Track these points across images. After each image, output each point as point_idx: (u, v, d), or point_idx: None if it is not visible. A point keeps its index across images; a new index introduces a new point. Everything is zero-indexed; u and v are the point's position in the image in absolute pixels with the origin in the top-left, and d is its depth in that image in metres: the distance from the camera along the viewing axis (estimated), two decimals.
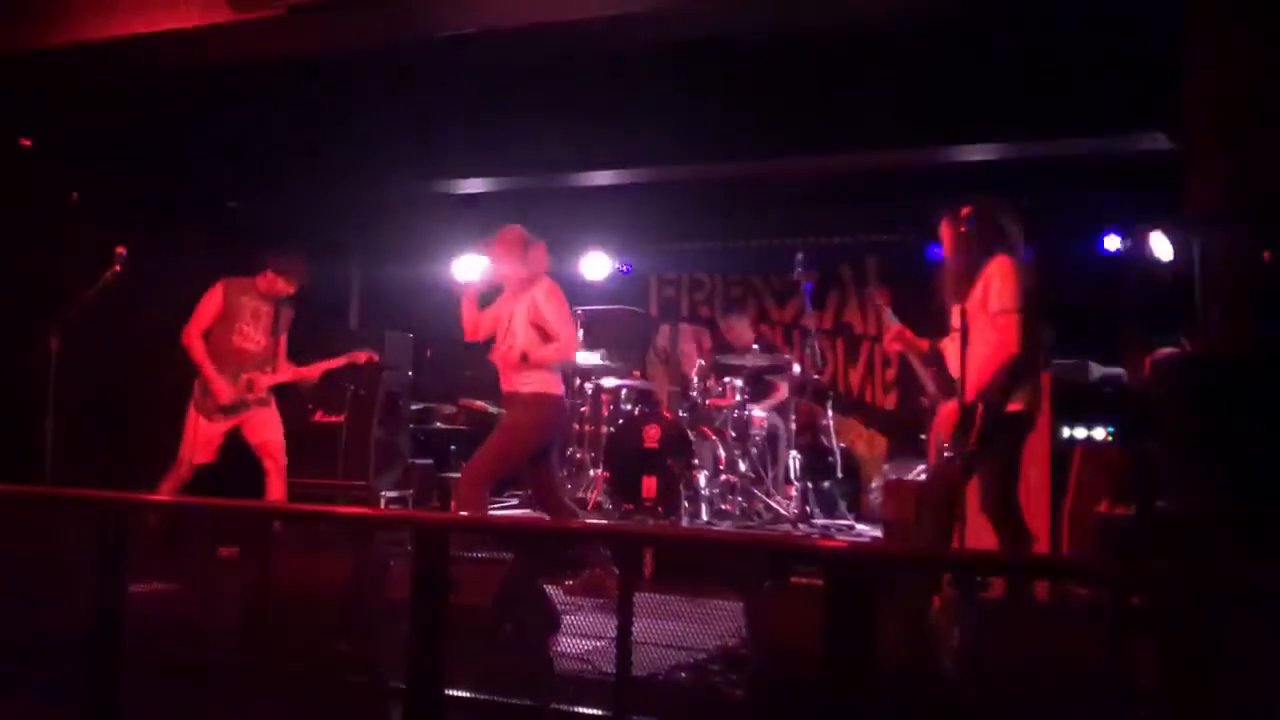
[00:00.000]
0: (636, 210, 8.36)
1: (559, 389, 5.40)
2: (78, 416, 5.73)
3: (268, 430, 6.03)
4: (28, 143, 7.01)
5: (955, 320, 4.36)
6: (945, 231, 4.52)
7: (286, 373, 6.13)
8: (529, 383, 5.31)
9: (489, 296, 5.62)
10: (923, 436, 6.92)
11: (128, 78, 6.46)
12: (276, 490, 5.99)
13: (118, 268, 5.70)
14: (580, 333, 7.97)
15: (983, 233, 4.34)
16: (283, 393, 7.35)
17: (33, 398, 5.46)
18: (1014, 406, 4.19)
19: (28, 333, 5.73)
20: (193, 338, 5.89)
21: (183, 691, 3.74)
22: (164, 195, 7.49)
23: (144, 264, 5.97)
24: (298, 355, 6.34)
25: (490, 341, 5.55)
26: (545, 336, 5.32)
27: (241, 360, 5.97)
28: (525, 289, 5.41)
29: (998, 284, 4.23)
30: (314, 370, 6.25)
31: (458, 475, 7.98)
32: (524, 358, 5.26)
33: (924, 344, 4.68)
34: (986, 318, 4.24)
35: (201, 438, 5.88)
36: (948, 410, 4.34)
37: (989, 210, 4.39)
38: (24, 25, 6.16)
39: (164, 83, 6.55)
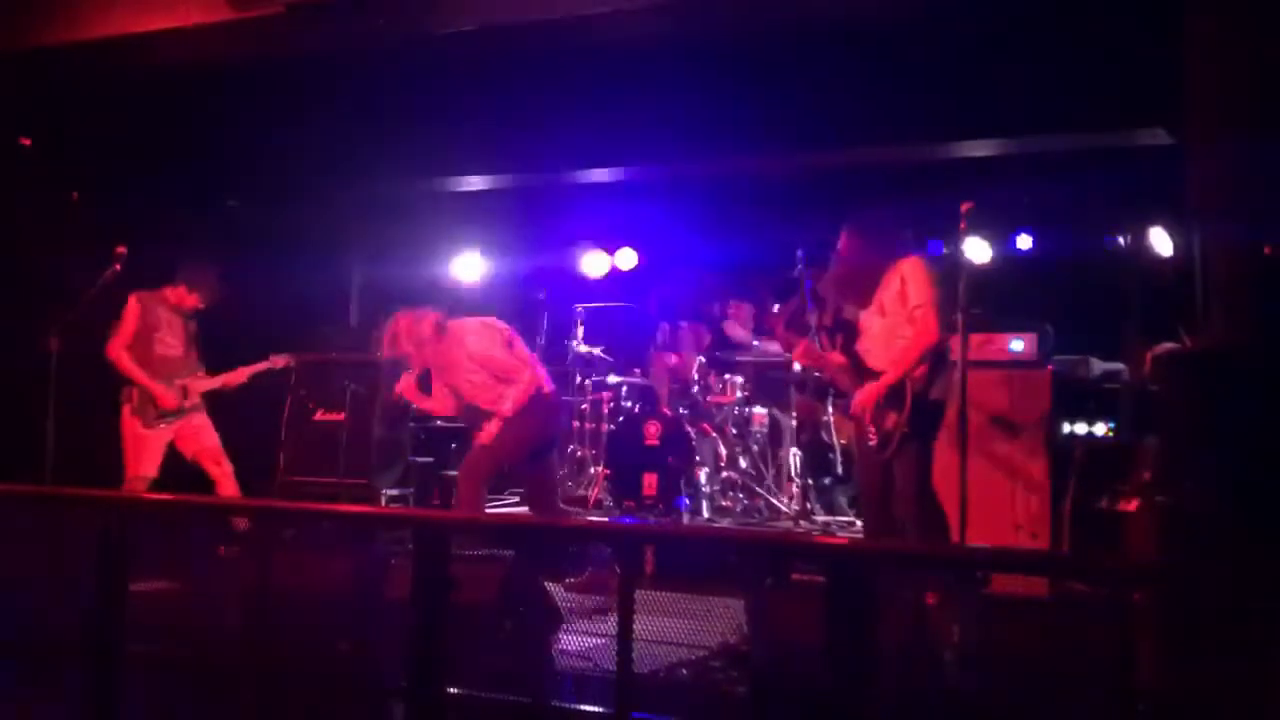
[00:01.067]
0: (637, 207, 8.35)
1: (544, 386, 5.41)
2: (78, 416, 5.73)
3: (201, 438, 6.10)
4: (27, 142, 7.00)
5: (864, 321, 4.77)
6: (849, 241, 4.82)
7: (216, 380, 6.21)
8: (507, 402, 5.34)
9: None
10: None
11: (127, 76, 6.46)
12: (228, 492, 6.03)
13: (117, 267, 5.70)
14: (581, 330, 7.99)
15: (885, 239, 4.73)
16: (283, 391, 7.37)
17: (33, 397, 5.46)
18: (934, 394, 4.54)
19: (28, 333, 5.72)
20: (119, 351, 5.92)
21: (183, 691, 3.75)
22: (164, 194, 7.48)
23: (143, 263, 5.97)
24: (303, 350, 6.38)
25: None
26: (497, 378, 5.36)
27: (169, 368, 6.03)
28: (447, 351, 5.41)
29: (914, 281, 4.57)
30: (238, 375, 6.28)
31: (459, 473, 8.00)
32: (505, 421, 5.28)
33: (836, 357, 4.95)
34: (904, 313, 4.58)
35: (145, 449, 5.92)
36: (864, 395, 4.59)
37: (885, 219, 4.79)
38: (24, 24, 6.16)
39: (164, 81, 6.55)
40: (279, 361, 6.45)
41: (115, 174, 7.27)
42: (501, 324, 5.57)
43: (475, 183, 8.14)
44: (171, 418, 5.99)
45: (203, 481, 6.10)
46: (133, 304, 6.00)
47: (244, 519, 4.48)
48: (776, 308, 7.30)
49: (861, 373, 4.72)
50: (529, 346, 7.62)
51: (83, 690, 3.64)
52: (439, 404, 5.62)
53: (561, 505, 5.65)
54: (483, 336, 5.41)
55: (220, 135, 7.27)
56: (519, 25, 5.59)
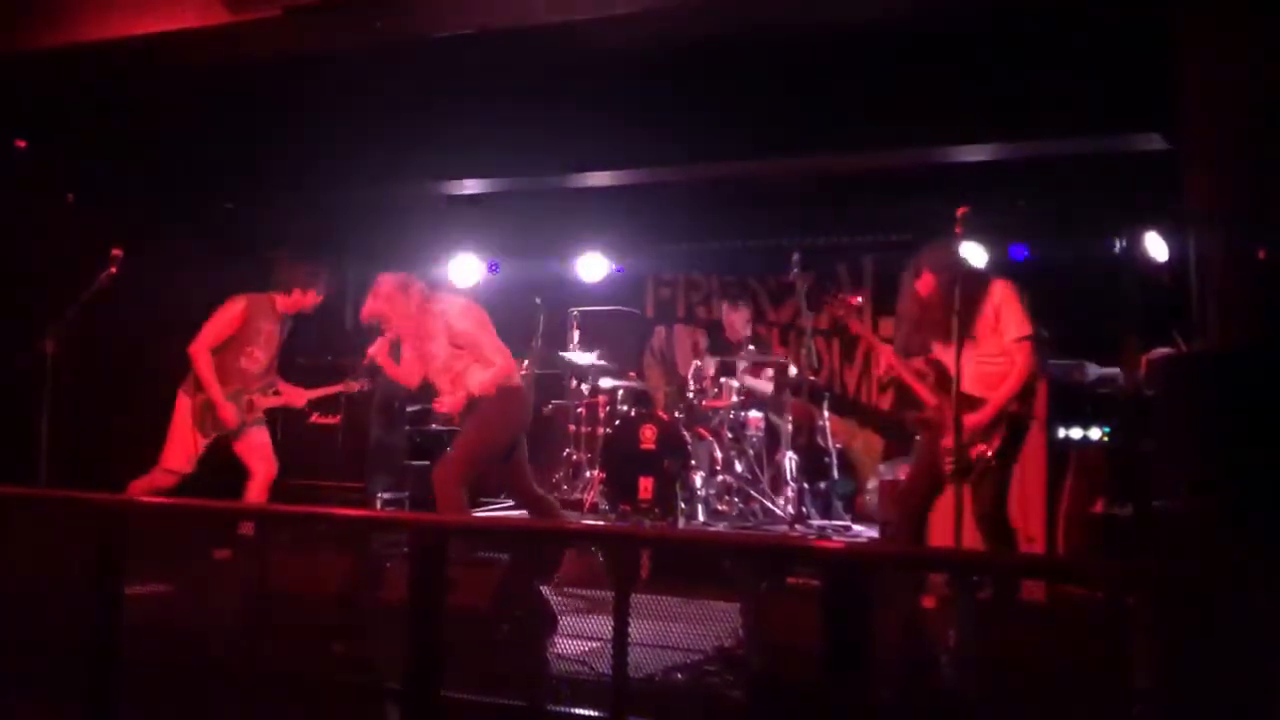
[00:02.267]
0: (633, 211, 8.36)
1: (515, 380, 5.41)
2: (73, 419, 5.72)
3: (258, 440, 5.97)
4: (23, 144, 7.00)
5: (940, 349, 4.71)
6: (936, 281, 4.72)
7: (282, 397, 6.05)
8: (482, 379, 5.31)
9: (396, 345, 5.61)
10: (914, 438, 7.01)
11: (124, 79, 6.45)
12: (256, 493, 5.92)
13: (113, 269, 5.67)
14: (577, 334, 7.99)
15: (971, 271, 4.68)
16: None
17: (28, 400, 5.45)
18: (1025, 424, 4.61)
19: (23, 335, 5.71)
20: (202, 352, 5.73)
21: (179, 693, 3.74)
22: (160, 197, 7.48)
23: (140, 266, 5.96)
24: (291, 357, 6.33)
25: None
26: (477, 356, 5.34)
27: (245, 381, 5.88)
28: (429, 322, 5.39)
29: (1008, 312, 4.61)
30: (304, 396, 6.16)
31: None
32: (472, 402, 5.27)
33: (917, 364, 4.93)
34: (996, 341, 4.60)
35: (189, 447, 5.79)
36: (972, 423, 4.51)
37: (955, 250, 4.59)
38: (20, 26, 6.15)
39: (160, 84, 6.54)
40: (354, 386, 6.24)
41: (111, 176, 7.26)
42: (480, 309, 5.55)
43: (472, 186, 8.13)
44: (226, 434, 5.85)
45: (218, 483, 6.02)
46: (239, 307, 5.84)
47: (250, 524, 4.47)
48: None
49: (955, 393, 4.53)
50: (525, 350, 7.66)
51: (79, 694, 3.63)
52: (406, 374, 5.53)
53: (540, 491, 5.59)
54: (469, 316, 5.39)
55: (216, 138, 7.26)
56: (516, 29, 5.58)
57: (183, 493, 5.70)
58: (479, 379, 5.30)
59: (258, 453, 5.95)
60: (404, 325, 5.43)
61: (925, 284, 4.79)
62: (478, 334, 5.37)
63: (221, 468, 6.01)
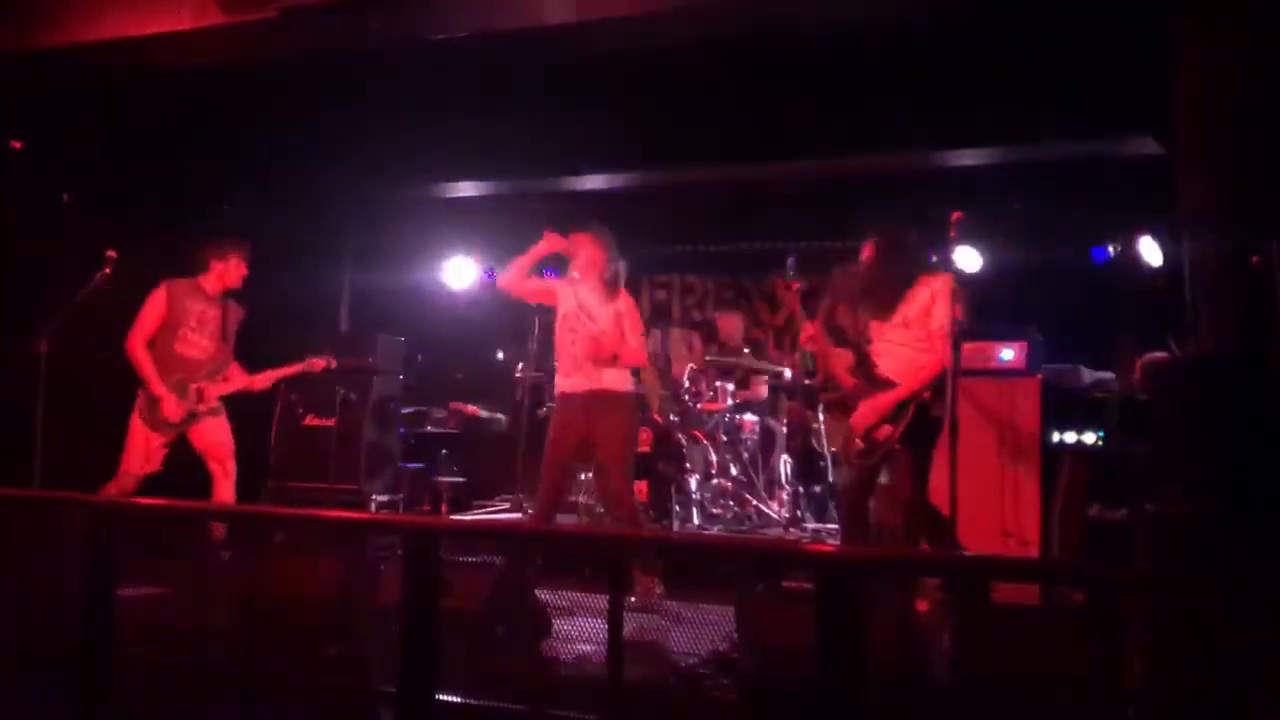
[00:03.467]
0: (628, 213, 8.35)
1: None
2: (67, 420, 5.70)
3: (216, 433, 5.82)
4: (18, 144, 6.98)
5: (877, 331, 4.82)
6: (875, 251, 4.88)
7: (237, 381, 5.90)
8: (620, 381, 5.35)
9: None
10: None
11: (119, 80, 6.44)
12: (224, 494, 5.81)
13: (107, 270, 5.66)
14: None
15: (913, 252, 4.84)
16: (273, 398, 7.34)
17: (21, 401, 5.43)
18: (934, 411, 4.63)
19: (16, 335, 5.70)
20: (137, 347, 5.67)
21: (172, 696, 3.73)
22: (155, 198, 7.47)
23: (133, 267, 5.95)
24: (289, 358, 6.29)
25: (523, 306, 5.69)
26: (621, 339, 5.36)
27: (188, 369, 5.76)
28: (608, 292, 5.43)
29: (940, 304, 4.67)
30: (264, 378, 6.00)
31: (449, 478, 8.00)
32: (615, 357, 5.29)
33: (843, 354, 4.98)
34: (924, 329, 4.68)
35: (144, 445, 5.71)
36: (868, 406, 4.68)
37: (913, 232, 4.86)
38: (15, 26, 6.14)
39: (155, 85, 6.53)
40: (317, 364, 6.09)
41: (106, 177, 7.25)
42: None
43: (466, 188, 8.13)
44: (174, 427, 5.76)
45: (204, 483, 5.96)
46: (160, 294, 5.77)
47: (221, 526, 4.45)
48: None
49: (870, 377, 4.77)
50: (522, 353, 7.66)
51: (69, 696, 3.62)
52: (520, 276, 5.49)
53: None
54: (635, 310, 5.48)
55: (211, 139, 7.25)
56: (511, 32, 5.59)
57: (184, 494, 5.69)
58: (629, 352, 5.33)
59: (213, 451, 5.82)
60: (588, 269, 5.43)
61: (867, 252, 4.90)
62: (637, 331, 5.42)
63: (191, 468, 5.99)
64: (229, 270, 5.90)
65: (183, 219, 7.50)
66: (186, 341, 5.80)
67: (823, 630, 2.79)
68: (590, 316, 5.37)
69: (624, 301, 5.45)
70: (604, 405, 5.28)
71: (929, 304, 4.70)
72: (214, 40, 5.82)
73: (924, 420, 4.62)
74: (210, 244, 5.94)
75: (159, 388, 5.67)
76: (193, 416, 5.78)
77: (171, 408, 5.70)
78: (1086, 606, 2.95)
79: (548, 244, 5.50)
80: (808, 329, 5.20)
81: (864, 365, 4.80)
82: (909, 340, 4.71)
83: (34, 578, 3.99)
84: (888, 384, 4.68)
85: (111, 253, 5.66)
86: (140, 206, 7.29)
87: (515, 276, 5.50)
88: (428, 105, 6.83)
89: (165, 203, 7.54)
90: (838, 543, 6.65)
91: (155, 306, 5.77)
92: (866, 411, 4.69)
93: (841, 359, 4.90)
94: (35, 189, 7.04)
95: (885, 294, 4.80)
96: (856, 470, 4.79)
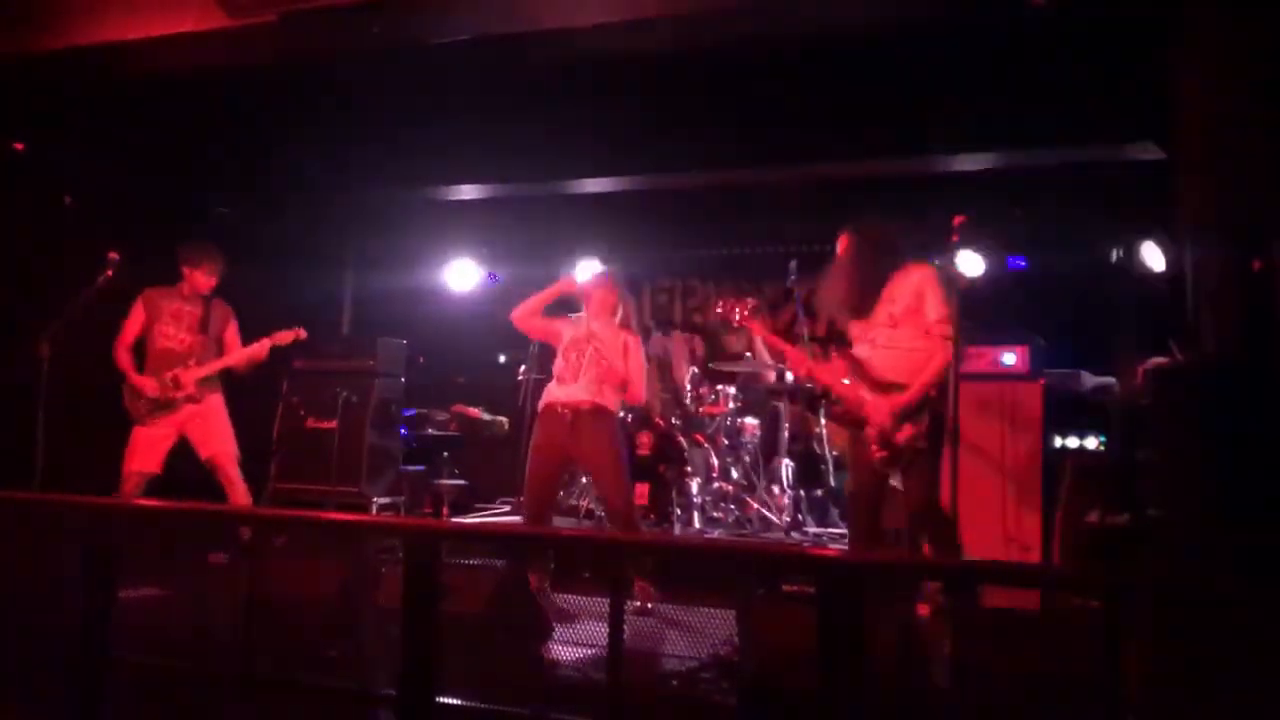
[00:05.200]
0: (630, 217, 8.37)
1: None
2: (67, 421, 5.71)
3: (212, 441, 5.94)
4: (21, 147, 6.99)
5: (858, 331, 4.69)
6: (850, 247, 4.75)
7: (212, 364, 5.99)
8: (613, 402, 5.38)
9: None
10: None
11: (121, 83, 6.45)
12: (238, 499, 5.90)
13: (110, 273, 5.68)
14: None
15: (888, 247, 4.68)
16: (275, 398, 7.35)
17: (22, 402, 5.43)
18: (941, 409, 4.50)
19: (19, 337, 5.70)
20: (119, 350, 5.89)
21: (172, 697, 3.73)
22: (157, 200, 7.48)
23: (136, 269, 5.96)
24: (290, 358, 6.30)
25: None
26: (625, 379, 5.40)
27: (166, 361, 5.92)
28: (615, 329, 5.46)
29: (932, 294, 4.53)
30: (238, 357, 6.05)
31: (450, 481, 8.00)
32: (624, 386, 5.34)
33: (837, 366, 4.85)
34: (917, 325, 4.52)
35: (141, 445, 5.81)
36: (880, 412, 4.51)
37: (888, 226, 4.72)
38: (19, 29, 6.15)
39: (157, 88, 6.54)
40: (284, 337, 6.11)
41: (108, 180, 7.26)
42: None
43: (469, 191, 8.14)
44: (161, 411, 5.85)
45: (205, 483, 6.01)
46: (137, 302, 5.98)
47: (245, 529, 4.45)
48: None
49: (872, 383, 4.63)
50: (523, 356, 7.66)
51: (69, 696, 3.62)
52: (533, 314, 5.51)
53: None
54: (638, 345, 5.50)
55: (213, 142, 7.27)
56: (513, 35, 5.59)
57: (182, 496, 5.69)
58: (636, 384, 5.39)
59: (217, 460, 5.91)
60: (599, 311, 5.48)
61: (841, 248, 4.79)
62: (639, 369, 5.44)
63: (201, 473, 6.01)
64: (197, 278, 6.04)
65: (184, 221, 7.52)
66: (164, 336, 5.96)
67: (824, 634, 2.78)
68: (601, 343, 5.40)
69: (632, 342, 5.47)
70: (592, 420, 5.28)
71: (916, 299, 4.55)
72: (216, 43, 5.83)
73: (938, 425, 4.49)
74: (182, 250, 6.08)
75: (133, 375, 5.88)
76: (171, 404, 5.87)
77: (146, 384, 5.86)
78: (1087, 612, 2.95)
79: (564, 285, 5.59)
80: (794, 361, 5.18)
81: (861, 372, 4.67)
82: (901, 340, 4.55)
83: (34, 578, 3.99)
84: (893, 386, 4.53)
85: (113, 255, 5.68)
86: (142, 209, 7.30)
87: (528, 314, 5.54)
88: (429, 108, 6.84)
89: (167, 205, 7.55)
90: (839, 547, 6.65)
91: (135, 313, 5.99)
92: (880, 417, 4.53)
93: (834, 371, 4.79)
94: (37, 191, 7.05)
95: (862, 292, 4.67)
96: (871, 475, 4.65)
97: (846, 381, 4.74)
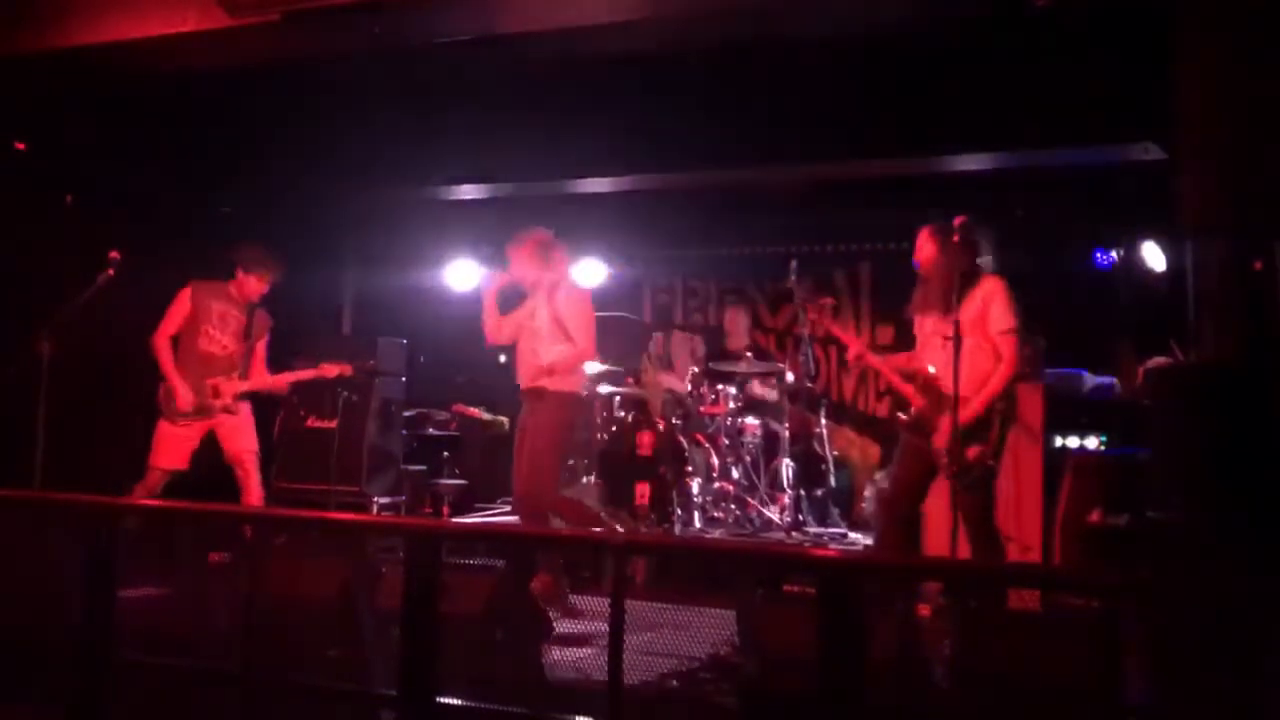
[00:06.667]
0: (631, 217, 8.36)
1: (581, 388, 5.48)
2: (69, 421, 5.71)
3: (239, 439, 5.90)
4: (22, 145, 6.99)
5: (936, 331, 4.59)
6: (929, 244, 4.70)
7: (254, 381, 5.98)
8: (555, 381, 5.36)
9: (509, 298, 5.67)
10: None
11: (122, 82, 6.45)
12: (251, 497, 5.89)
13: (110, 272, 5.67)
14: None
15: (969, 249, 4.58)
16: (275, 400, 7.34)
17: (22, 401, 5.43)
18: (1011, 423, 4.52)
19: (20, 336, 5.70)
20: (159, 342, 5.80)
21: (172, 697, 3.73)
22: (158, 200, 7.48)
23: (137, 268, 5.96)
24: (287, 360, 6.29)
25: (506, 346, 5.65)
26: (567, 336, 5.38)
27: (207, 365, 5.84)
28: (549, 291, 5.46)
29: (998, 305, 4.49)
30: (281, 380, 6.12)
31: (450, 481, 8.00)
32: (550, 370, 5.33)
33: (900, 359, 4.89)
34: (982, 335, 4.48)
35: (167, 442, 5.77)
36: (948, 423, 4.42)
37: (974, 227, 4.59)
38: (19, 29, 6.15)
39: (159, 87, 6.54)
40: (330, 371, 6.13)
41: (109, 179, 7.26)
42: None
43: (469, 191, 8.13)
44: (193, 417, 5.81)
45: (180, 489, 5.97)
46: (185, 292, 5.88)
47: (248, 528, 4.45)
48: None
49: (938, 394, 4.56)
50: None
51: (69, 697, 3.62)
52: (501, 325, 5.56)
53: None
54: (576, 298, 5.42)
55: (214, 142, 7.26)
56: (514, 35, 5.59)
57: (180, 495, 5.69)
58: (563, 359, 5.32)
59: (239, 457, 5.87)
60: (530, 278, 5.48)
61: (925, 247, 4.72)
62: (579, 323, 5.36)
63: (219, 471, 5.99)
64: (249, 283, 5.99)
65: (184, 221, 7.52)
66: (209, 338, 5.89)
67: (824, 635, 2.79)
68: (532, 330, 5.44)
69: (565, 298, 5.41)
70: (533, 403, 5.41)
71: (983, 308, 4.51)
72: (217, 43, 5.83)
73: (1004, 437, 4.46)
74: (244, 253, 6.02)
75: (174, 378, 5.77)
76: (206, 411, 5.82)
77: (183, 397, 5.77)
78: (1088, 612, 2.95)
79: (491, 283, 5.61)
80: (854, 345, 5.05)
81: (929, 384, 4.62)
82: (971, 350, 4.43)
83: (34, 578, 3.99)
84: (958, 398, 4.35)
85: (114, 254, 5.68)
86: (143, 208, 7.29)
87: (491, 331, 5.62)
88: (430, 107, 6.84)
89: (168, 205, 7.55)
90: (839, 547, 6.65)
91: (180, 304, 5.88)
92: (948, 430, 4.41)
93: (909, 378, 4.72)
94: (38, 190, 7.05)
95: (946, 291, 4.52)
96: (923, 466, 4.60)
97: (908, 376, 4.73)
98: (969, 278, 4.53)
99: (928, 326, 4.72)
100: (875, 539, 5.07)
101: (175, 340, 5.84)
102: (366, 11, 5.51)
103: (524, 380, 5.46)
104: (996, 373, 4.43)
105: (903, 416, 4.73)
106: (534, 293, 5.54)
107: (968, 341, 4.42)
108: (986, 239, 5.05)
